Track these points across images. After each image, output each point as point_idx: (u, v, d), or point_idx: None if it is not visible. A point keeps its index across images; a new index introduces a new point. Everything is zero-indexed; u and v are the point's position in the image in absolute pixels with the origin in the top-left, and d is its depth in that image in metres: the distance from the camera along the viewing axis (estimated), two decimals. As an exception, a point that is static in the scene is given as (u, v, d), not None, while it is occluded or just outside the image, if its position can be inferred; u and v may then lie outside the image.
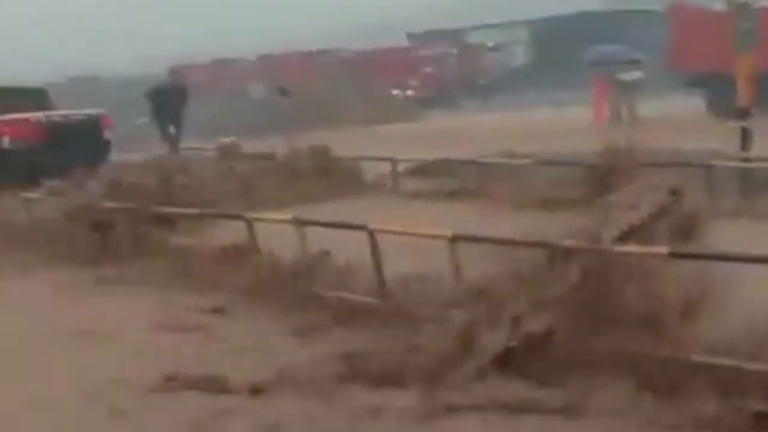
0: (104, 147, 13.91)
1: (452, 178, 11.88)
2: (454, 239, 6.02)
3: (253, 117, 23.99)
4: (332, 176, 12.27)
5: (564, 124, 19.70)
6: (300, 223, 7.43)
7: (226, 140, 15.74)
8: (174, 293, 7.59)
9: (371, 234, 6.67)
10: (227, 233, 8.33)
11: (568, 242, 5.13)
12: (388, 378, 5.08)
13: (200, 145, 17.11)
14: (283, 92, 20.33)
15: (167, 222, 9.13)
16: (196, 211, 9.19)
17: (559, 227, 5.51)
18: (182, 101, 18.88)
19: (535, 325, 4.95)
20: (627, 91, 21.78)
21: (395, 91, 31.90)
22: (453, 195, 11.01)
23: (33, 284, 8.51)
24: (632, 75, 21.81)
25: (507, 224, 6.64)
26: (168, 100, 18.66)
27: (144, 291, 7.80)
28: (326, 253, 7.07)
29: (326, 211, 9.10)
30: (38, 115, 13.52)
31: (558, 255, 5.04)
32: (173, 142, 18.50)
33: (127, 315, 7.09)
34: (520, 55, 40.12)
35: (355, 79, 29.53)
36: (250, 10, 61.39)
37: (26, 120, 13.21)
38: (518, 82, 33.93)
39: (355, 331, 5.98)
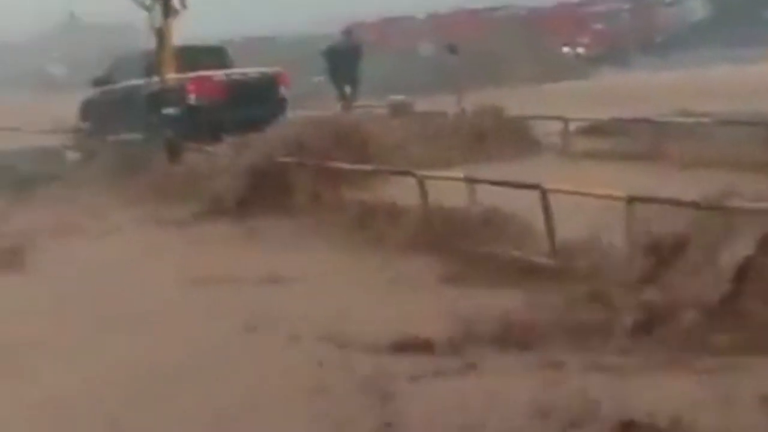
0: (280, 104, 14.33)
1: (625, 138, 11.60)
2: (631, 200, 5.93)
3: (422, 75, 24.08)
4: (502, 135, 12.21)
5: (745, 82, 18.79)
6: (471, 181, 7.49)
7: (396, 98, 15.90)
8: (338, 246, 7.84)
9: (544, 193, 6.65)
10: (399, 190, 8.49)
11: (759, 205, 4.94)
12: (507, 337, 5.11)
13: (371, 103, 17.36)
14: (452, 50, 20.28)
15: (341, 177, 9.39)
16: (368, 167, 9.40)
17: (740, 189, 5.33)
18: (357, 60, 19.21)
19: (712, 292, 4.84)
20: (815, 48, 20.51)
21: (565, 49, 31.24)
22: (626, 155, 10.75)
23: (194, 234, 9.02)
24: (822, 31, 20.49)
25: (684, 185, 6.45)
26: (343, 59, 19.04)
27: (308, 244, 8.11)
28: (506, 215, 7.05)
29: (496, 170, 9.10)
30: (219, 74, 14.09)
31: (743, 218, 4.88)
32: (348, 100, 18.87)
33: (262, 265, 7.36)
34: (698, 10, 38.35)
35: (525, 37, 29.09)
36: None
37: (209, 78, 13.79)
38: (695, 38, 32.49)
39: (518, 289, 6.00)
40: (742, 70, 22.42)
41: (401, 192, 8.35)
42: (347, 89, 19.19)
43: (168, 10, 12.76)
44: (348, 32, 20.82)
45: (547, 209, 6.60)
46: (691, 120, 11.28)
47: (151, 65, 13.44)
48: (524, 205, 6.82)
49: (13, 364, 5.64)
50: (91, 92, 15.52)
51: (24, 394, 5.10)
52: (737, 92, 16.18)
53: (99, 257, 8.42)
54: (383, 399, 4.53)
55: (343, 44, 19.96)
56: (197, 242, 8.80)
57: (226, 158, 10.50)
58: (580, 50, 32.01)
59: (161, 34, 12.85)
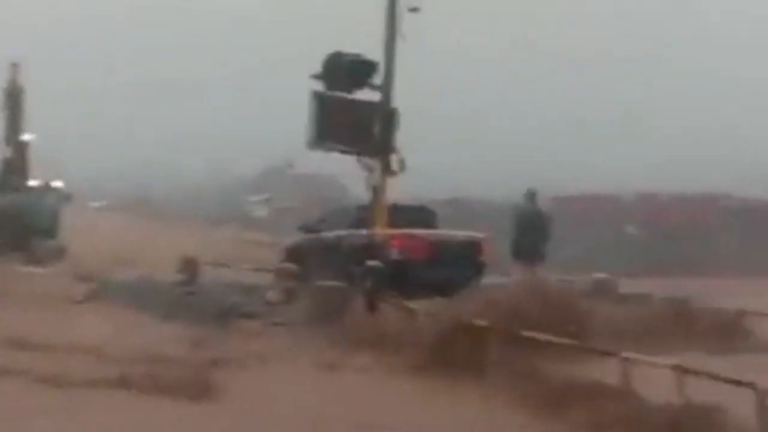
0: (479, 268, 14.29)
1: None
2: None
3: (628, 255, 23.52)
4: (705, 327, 11.48)
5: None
6: (681, 370, 7.04)
7: (600, 276, 15.48)
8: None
9: (760, 393, 6.18)
10: (597, 370, 8.13)
11: None
12: None
13: (571, 278, 16.92)
14: (634, 230, 19.46)
15: (539, 348, 9.06)
16: (574, 342, 8.99)
17: None
18: (544, 227, 18.32)
19: None
20: None
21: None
22: None
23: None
24: None
25: None
26: (529, 223, 18.27)
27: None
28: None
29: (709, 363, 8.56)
30: (424, 233, 14.26)
31: None
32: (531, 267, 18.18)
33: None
34: None
35: (746, 228, 28.14)
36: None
37: (414, 236, 13.99)
38: None
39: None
40: None
41: (600, 373, 7.97)
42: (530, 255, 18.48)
43: (388, 171, 13.13)
44: (531, 195, 19.49)
45: (762, 410, 6.10)
46: None
47: (361, 219, 13.76)
48: (733, 400, 6.36)
49: None
50: (296, 237, 16.06)
51: None
52: None
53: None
54: None
55: (528, 208, 19.08)
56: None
57: (425, 315, 10.43)
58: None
59: (376, 192, 13.16)
